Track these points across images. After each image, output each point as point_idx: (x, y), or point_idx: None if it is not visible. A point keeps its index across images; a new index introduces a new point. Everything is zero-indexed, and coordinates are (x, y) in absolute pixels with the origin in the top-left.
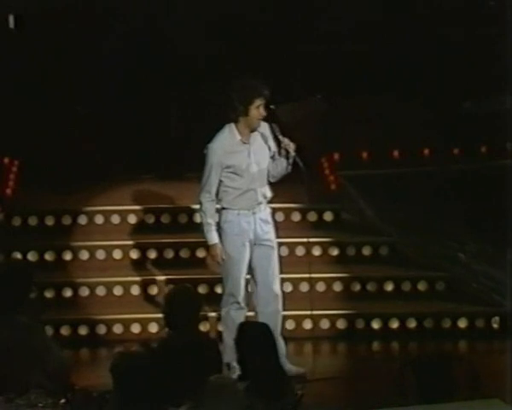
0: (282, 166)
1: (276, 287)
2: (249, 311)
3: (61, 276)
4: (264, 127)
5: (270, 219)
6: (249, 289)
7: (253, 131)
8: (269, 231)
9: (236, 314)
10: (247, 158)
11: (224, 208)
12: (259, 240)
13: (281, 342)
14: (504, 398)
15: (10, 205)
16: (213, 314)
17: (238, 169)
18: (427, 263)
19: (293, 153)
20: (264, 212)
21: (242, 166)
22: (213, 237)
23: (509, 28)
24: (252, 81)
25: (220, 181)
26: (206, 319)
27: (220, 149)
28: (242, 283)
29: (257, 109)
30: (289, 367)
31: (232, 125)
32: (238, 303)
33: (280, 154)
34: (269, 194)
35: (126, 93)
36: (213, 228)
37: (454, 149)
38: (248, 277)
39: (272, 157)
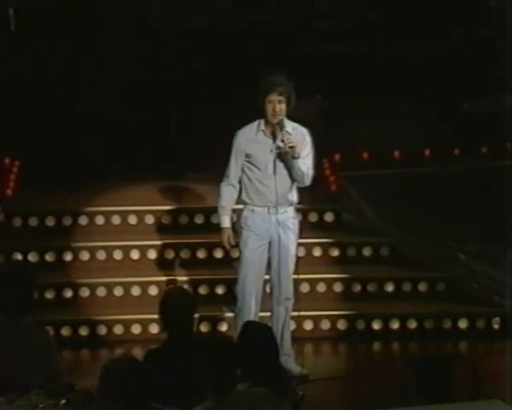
0: (296, 171)
1: (289, 291)
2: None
3: (62, 276)
4: (298, 131)
5: (290, 223)
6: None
7: (274, 126)
8: (286, 235)
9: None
10: (268, 152)
11: (244, 203)
12: (275, 242)
13: (288, 343)
14: (505, 398)
15: (11, 205)
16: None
17: (257, 160)
18: (428, 264)
19: (287, 148)
20: (284, 215)
21: (261, 158)
22: (224, 221)
23: (509, 28)
24: (274, 76)
25: (243, 171)
26: (207, 319)
27: (243, 135)
28: (252, 281)
29: (269, 104)
30: (292, 367)
31: (262, 119)
32: (246, 302)
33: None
34: (294, 198)
35: (126, 93)
36: (226, 212)
37: (454, 149)
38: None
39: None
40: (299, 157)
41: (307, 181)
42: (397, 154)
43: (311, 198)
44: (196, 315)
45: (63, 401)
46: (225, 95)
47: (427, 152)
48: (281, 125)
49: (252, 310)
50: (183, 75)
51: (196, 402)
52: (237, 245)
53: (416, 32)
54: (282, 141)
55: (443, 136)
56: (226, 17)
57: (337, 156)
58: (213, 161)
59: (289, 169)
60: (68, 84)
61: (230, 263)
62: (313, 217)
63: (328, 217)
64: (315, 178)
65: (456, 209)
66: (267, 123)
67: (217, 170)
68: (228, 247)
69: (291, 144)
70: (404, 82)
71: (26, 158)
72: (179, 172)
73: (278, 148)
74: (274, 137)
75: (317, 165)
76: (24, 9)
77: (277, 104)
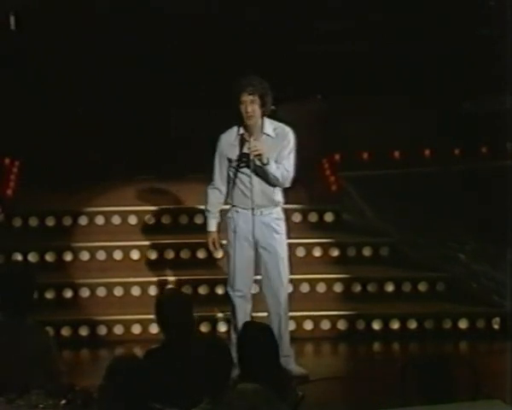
0: (269, 177)
1: (279, 293)
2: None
3: (62, 277)
4: (279, 130)
5: (275, 224)
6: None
7: (247, 128)
8: (271, 237)
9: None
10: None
11: (229, 204)
12: (261, 244)
13: (286, 343)
14: (505, 398)
15: (11, 206)
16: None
17: (236, 163)
18: (428, 264)
19: (251, 157)
20: (269, 216)
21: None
22: (210, 225)
23: (509, 28)
24: (245, 77)
25: (228, 174)
26: (207, 319)
27: (224, 139)
28: (239, 281)
29: (242, 105)
30: (292, 368)
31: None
32: (236, 302)
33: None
34: (277, 198)
35: (126, 93)
36: (212, 216)
37: (454, 149)
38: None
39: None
40: (267, 163)
41: (286, 183)
42: (397, 154)
43: (311, 198)
44: (196, 315)
45: (63, 402)
46: (225, 95)
47: (427, 152)
48: (250, 132)
49: (242, 310)
50: (183, 75)
51: (195, 403)
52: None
53: (416, 32)
54: (249, 148)
55: (443, 136)
56: (226, 17)
57: (337, 156)
58: (213, 162)
59: (261, 175)
60: (68, 84)
61: (215, 263)
62: (313, 217)
63: (328, 217)
64: (315, 179)
65: (456, 209)
66: (245, 127)
67: None
68: (213, 250)
69: (256, 152)
70: (404, 82)
71: (26, 158)
72: (179, 172)
73: (243, 155)
74: (241, 142)
75: (317, 165)
76: (24, 9)
77: (249, 105)
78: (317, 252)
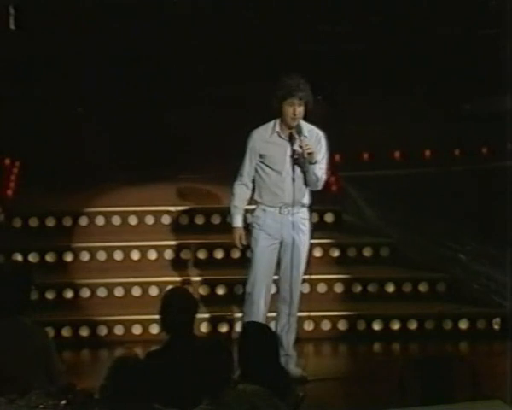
0: (310, 175)
1: (294, 292)
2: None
3: (62, 277)
4: (313, 133)
5: (302, 223)
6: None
7: (290, 128)
8: (298, 236)
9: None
10: (282, 154)
11: (256, 202)
12: (285, 243)
13: (288, 343)
14: (505, 398)
15: (11, 206)
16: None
17: (270, 161)
18: (428, 264)
19: (305, 154)
20: (296, 216)
21: (274, 159)
22: (236, 221)
23: (509, 28)
24: (294, 79)
25: (256, 171)
26: (207, 320)
27: (258, 135)
28: (262, 281)
29: (289, 107)
30: (292, 369)
31: (277, 120)
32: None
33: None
34: (305, 200)
35: (126, 93)
36: (238, 211)
37: (455, 149)
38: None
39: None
40: (316, 163)
41: (320, 185)
42: (397, 154)
43: (312, 199)
44: (200, 316)
45: (63, 402)
46: (226, 95)
47: (427, 153)
48: (298, 130)
49: (260, 310)
50: (182, 75)
51: (196, 403)
52: (249, 245)
53: (416, 31)
54: (301, 147)
55: (443, 136)
56: (226, 17)
57: (337, 157)
58: (213, 162)
59: (304, 173)
60: (68, 85)
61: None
62: (313, 218)
63: (329, 217)
64: None
65: (456, 209)
66: (282, 124)
67: (217, 170)
68: (240, 246)
69: (309, 150)
70: (404, 82)
71: (26, 158)
72: (179, 172)
73: (295, 153)
74: (291, 140)
75: None
76: (24, 9)
77: (297, 107)
78: (318, 252)
